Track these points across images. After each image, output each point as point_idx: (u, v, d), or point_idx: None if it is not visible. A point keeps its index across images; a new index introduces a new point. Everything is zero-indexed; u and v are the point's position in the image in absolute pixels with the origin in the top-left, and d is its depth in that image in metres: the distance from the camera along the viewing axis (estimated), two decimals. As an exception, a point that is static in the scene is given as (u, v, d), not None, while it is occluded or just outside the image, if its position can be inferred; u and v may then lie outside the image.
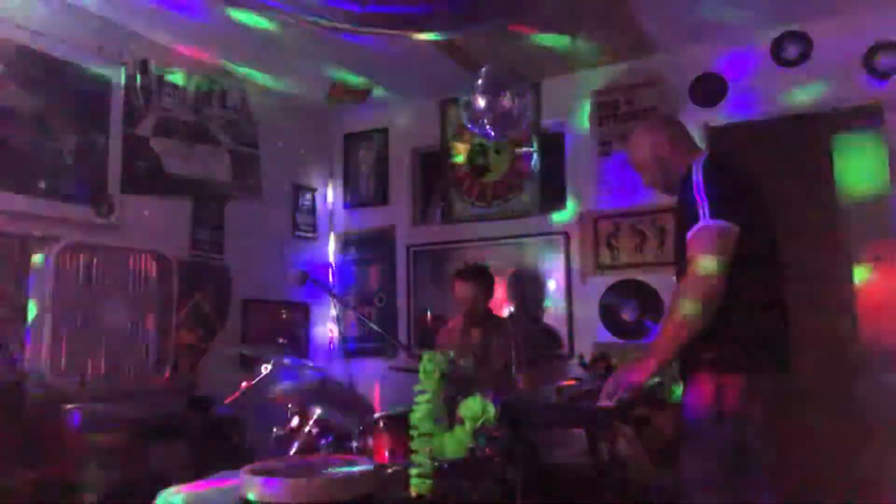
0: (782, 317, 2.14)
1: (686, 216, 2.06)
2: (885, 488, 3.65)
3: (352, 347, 4.67)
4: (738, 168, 2.19)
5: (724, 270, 1.96)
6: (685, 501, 2.10)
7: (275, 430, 2.86)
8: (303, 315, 4.54)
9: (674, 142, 2.29)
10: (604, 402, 2.05)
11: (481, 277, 3.69)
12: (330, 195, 4.93)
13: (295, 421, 2.83)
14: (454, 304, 3.78)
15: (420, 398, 1.97)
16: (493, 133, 3.60)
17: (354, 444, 2.69)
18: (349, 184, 4.92)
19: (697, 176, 2.06)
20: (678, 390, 2.22)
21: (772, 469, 2.05)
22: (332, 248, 4.89)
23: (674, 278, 2.43)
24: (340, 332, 4.73)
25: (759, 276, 2.07)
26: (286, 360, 3.03)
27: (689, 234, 2.02)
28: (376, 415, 2.75)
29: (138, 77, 3.56)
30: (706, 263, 1.96)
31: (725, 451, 2.01)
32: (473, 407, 1.95)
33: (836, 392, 3.95)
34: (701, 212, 2.00)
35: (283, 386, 2.85)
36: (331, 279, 4.85)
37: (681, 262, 2.14)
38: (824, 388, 3.86)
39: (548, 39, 3.72)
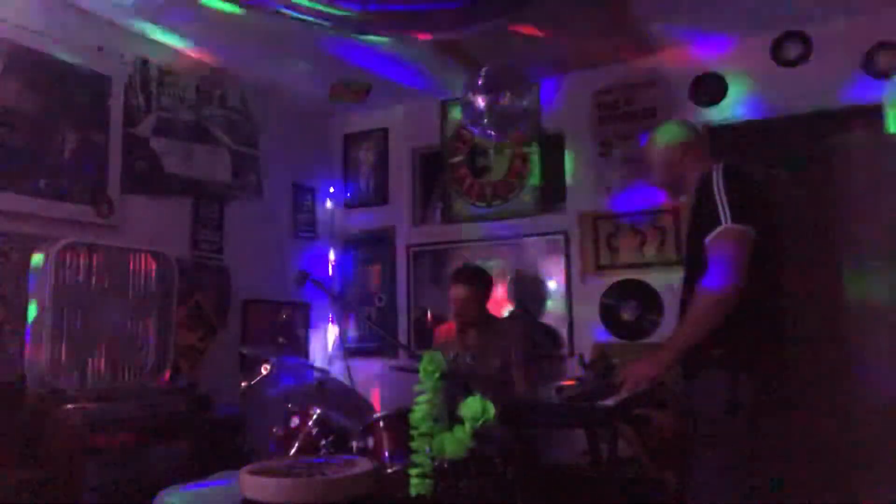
0: (785, 316, 2.18)
1: (705, 219, 2.10)
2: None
3: (352, 347, 4.67)
4: (752, 175, 2.25)
5: (743, 272, 2.01)
6: (696, 498, 2.11)
7: (275, 430, 2.86)
8: (303, 315, 4.54)
9: (686, 148, 2.36)
10: (620, 395, 2.09)
11: (476, 279, 3.60)
12: (330, 195, 4.93)
13: (295, 421, 2.83)
14: (450, 306, 3.75)
15: (420, 398, 1.97)
16: (493, 133, 3.60)
17: (354, 444, 2.69)
18: (349, 184, 4.92)
19: (718, 181, 2.11)
20: None
21: (782, 463, 2.08)
22: (332, 248, 4.89)
23: (677, 278, 2.43)
24: (340, 332, 4.73)
25: (766, 277, 2.11)
26: (286, 360, 3.04)
27: (710, 237, 2.07)
28: (376, 415, 2.75)
29: (138, 77, 3.56)
30: (726, 265, 2.02)
31: (739, 444, 2.05)
32: (473, 407, 1.95)
33: (840, 392, 3.94)
34: (722, 216, 2.05)
35: (283, 386, 2.86)
36: (331, 279, 4.85)
37: (693, 263, 2.19)
38: (828, 387, 3.85)
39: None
